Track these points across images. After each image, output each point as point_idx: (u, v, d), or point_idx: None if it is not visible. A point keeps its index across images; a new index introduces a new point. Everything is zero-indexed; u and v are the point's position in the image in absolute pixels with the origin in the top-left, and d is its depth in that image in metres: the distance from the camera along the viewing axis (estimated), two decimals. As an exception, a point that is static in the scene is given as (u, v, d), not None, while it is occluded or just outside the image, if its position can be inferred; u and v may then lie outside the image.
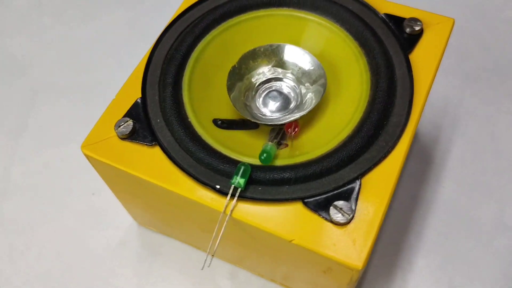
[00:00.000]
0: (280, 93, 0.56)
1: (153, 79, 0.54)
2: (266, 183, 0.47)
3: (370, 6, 0.56)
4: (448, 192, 0.68)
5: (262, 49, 0.55)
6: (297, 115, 0.51)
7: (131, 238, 0.68)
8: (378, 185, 0.46)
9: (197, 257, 0.66)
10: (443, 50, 0.53)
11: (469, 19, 0.85)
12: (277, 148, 0.51)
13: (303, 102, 0.54)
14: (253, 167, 0.47)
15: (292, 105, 0.55)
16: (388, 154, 0.48)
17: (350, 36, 0.55)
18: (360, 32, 0.54)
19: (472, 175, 0.69)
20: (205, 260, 0.46)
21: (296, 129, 0.51)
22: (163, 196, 0.51)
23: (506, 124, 0.73)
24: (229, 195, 0.46)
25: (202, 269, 0.51)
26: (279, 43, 0.55)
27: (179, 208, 0.53)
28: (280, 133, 0.53)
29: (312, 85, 0.54)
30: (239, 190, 0.46)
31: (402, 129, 0.49)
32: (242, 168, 0.46)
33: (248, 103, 0.55)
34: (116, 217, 0.70)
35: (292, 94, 0.56)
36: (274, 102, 0.56)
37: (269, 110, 0.55)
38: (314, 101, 0.52)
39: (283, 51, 0.55)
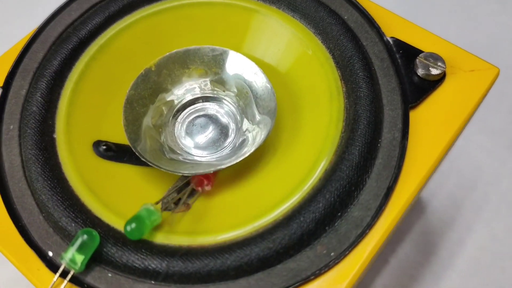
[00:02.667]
0: (213, 120, 0.38)
1: (31, 64, 0.37)
2: (120, 269, 0.29)
3: (374, 21, 0.36)
4: (446, 305, 0.48)
5: (199, 52, 0.36)
6: (223, 165, 0.32)
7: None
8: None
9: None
10: (469, 114, 0.33)
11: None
12: (171, 209, 0.33)
13: (243, 140, 0.36)
14: (112, 236, 0.29)
15: (227, 142, 0.37)
16: (326, 271, 0.29)
17: (331, 61, 0.35)
18: (347, 59, 0.34)
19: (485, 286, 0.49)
20: None
21: (209, 184, 0.33)
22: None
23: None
24: (57, 275, 0.29)
25: None
26: (225, 49, 0.36)
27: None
28: (190, 184, 0.34)
29: (257, 122, 0.35)
30: (72, 271, 0.29)
31: (362, 233, 0.29)
32: (81, 238, 0.28)
33: (162, 130, 0.37)
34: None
35: (231, 126, 0.37)
36: (202, 134, 0.37)
37: (194, 143, 0.37)
38: (249, 148, 0.33)
39: (228, 62, 0.36)
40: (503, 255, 0.50)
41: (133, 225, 0.29)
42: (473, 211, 0.53)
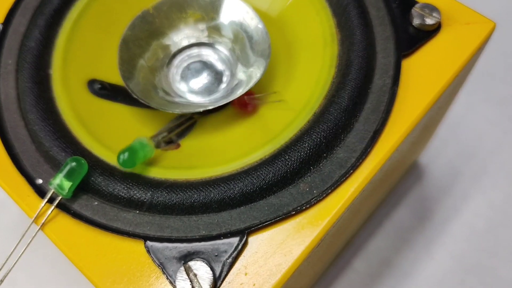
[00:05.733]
0: (208, 66, 0.38)
1: (32, 2, 0.37)
2: (106, 197, 0.30)
3: (373, -30, 0.36)
4: (437, 269, 0.48)
5: (198, -3, 0.37)
6: (216, 104, 0.33)
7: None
8: (273, 252, 0.28)
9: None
10: (461, 66, 0.33)
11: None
12: (161, 146, 0.33)
13: (238, 83, 0.36)
14: (100, 167, 0.30)
15: (221, 87, 0.37)
16: (307, 208, 0.29)
17: (327, 8, 0.35)
18: (344, 6, 0.34)
19: (478, 255, 0.48)
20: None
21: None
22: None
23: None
24: (45, 200, 0.30)
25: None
26: (223, -6, 0.36)
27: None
28: (183, 125, 0.35)
29: (251, 64, 0.35)
30: (60, 197, 0.29)
31: (345, 174, 0.29)
32: (70, 165, 0.29)
33: (157, 73, 0.37)
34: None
35: (226, 72, 0.37)
36: (196, 79, 0.37)
37: (189, 88, 0.37)
38: (243, 89, 0.34)
39: (224, 6, 0.36)
40: (498, 222, 0.50)
41: (126, 154, 0.30)
42: (471, 179, 0.53)
